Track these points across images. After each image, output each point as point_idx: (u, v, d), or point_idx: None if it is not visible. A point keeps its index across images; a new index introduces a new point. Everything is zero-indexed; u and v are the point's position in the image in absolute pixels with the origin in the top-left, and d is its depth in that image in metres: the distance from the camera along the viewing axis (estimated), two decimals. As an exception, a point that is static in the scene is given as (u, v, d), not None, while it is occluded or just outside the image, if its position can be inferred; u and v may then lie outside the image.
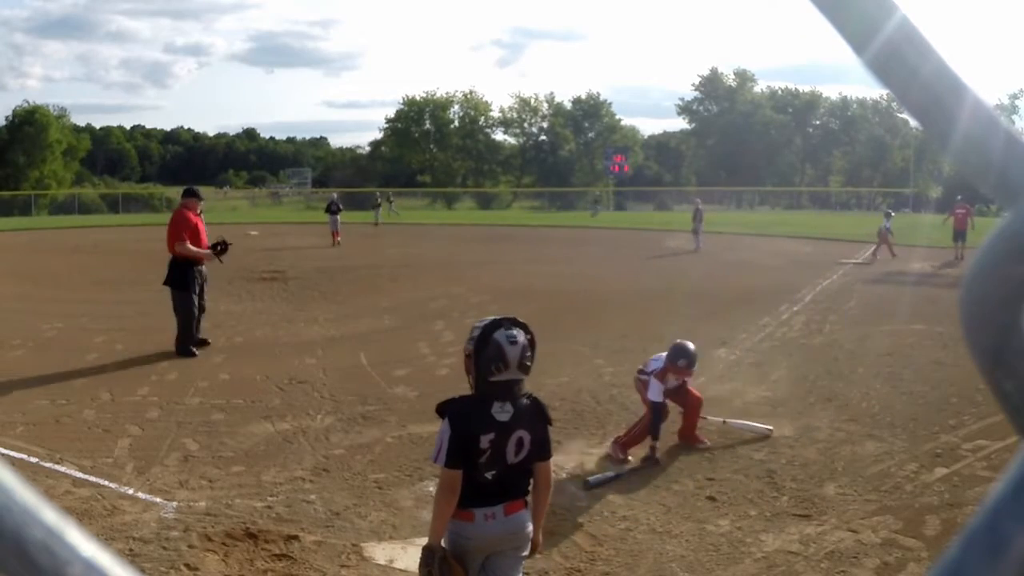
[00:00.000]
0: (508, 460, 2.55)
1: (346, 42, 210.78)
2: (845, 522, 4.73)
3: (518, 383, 2.55)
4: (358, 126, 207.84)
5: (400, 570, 4.20)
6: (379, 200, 35.14)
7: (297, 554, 4.39)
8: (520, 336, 2.55)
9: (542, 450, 2.62)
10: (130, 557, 4.24)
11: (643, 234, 28.64)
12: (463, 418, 2.55)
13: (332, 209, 23.57)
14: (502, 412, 2.53)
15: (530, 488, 2.70)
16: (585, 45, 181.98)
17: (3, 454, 5.80)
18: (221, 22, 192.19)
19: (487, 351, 2.52)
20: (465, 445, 2.51)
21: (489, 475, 2.54)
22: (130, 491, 5.17)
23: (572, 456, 5.86)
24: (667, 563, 4.29)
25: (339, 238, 22.80)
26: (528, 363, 2.57)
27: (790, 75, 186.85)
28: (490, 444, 2.52)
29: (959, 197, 21.38)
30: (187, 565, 4.23)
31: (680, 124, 75.47)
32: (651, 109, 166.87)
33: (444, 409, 2.63)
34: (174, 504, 4.98)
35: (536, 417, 2.62)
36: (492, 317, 2.64)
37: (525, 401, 2.59)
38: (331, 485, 5.32)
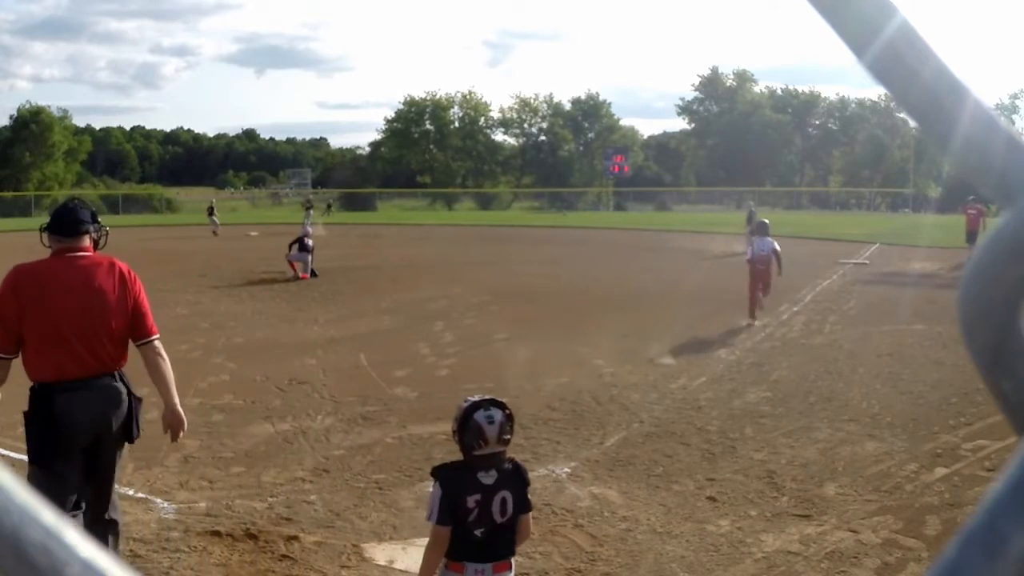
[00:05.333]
0: (495, 519, 2.91)
1: (337, 43, 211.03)
2: (845, 522, 4.73)
3: (499, 454, 2.95)
4: (352, 127, 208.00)
5: (400, 571, 4.20)
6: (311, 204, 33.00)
7: (297, 555, 4.39)
8: (497, 415, 2.91)
9: (523, 504, 3.00)
10: (130, 557, 4.24)
11: (643, 235, 28.64)
12: (452, 481, 2.92)
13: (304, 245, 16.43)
14: (487, 477, 2.91)
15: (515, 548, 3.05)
16: (576, 47, 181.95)
17: (3, 455, 5.79)
18: (204, 23, 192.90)
19: (469, 431, 2.89)
20: (454, 505, 2.88)
21: (479, 532, 2.89)
22: (130, 491, 5.16)
23: (572, 457, 5.86)
24: (667, 563, 4.29)
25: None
26: (507, 437, 2.94)
27: (789, 75, 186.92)
28: (476, 504, 2.89)
29: (971, 197, 19.89)
30: (187, 566, 4.23)
31: (678, 125, 75.52)
32: (644, 110, 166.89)
33: (436, 473, 3.00)
34: (174, 505, 4.98)
35: (517, 479, 3.00)
36: (472, 399, 2.99)
37: (508, 466, 2.98)
38: (331, 486, 5.31)
